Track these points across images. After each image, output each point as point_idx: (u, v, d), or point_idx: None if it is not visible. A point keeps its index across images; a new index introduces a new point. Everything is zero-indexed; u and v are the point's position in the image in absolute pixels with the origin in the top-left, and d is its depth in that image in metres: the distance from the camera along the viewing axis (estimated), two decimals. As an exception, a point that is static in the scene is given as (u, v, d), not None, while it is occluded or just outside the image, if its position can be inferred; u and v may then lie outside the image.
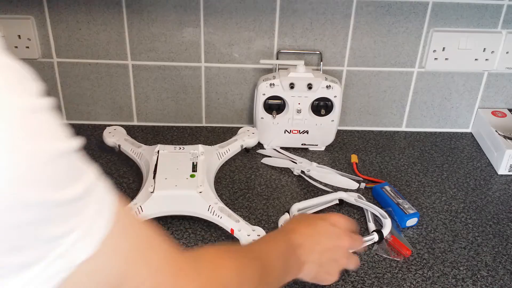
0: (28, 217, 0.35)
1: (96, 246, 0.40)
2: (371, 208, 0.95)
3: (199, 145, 1.03)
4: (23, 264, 0.36)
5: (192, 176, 0.96)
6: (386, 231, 0.90)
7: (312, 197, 0.99)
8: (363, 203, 0.96)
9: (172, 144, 1.04)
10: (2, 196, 0.34)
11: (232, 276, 0.56)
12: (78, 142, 0.38)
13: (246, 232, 0.87)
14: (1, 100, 0.34)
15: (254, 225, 0.90)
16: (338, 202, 0.98)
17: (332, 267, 0.75)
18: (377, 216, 0.94)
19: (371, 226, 0.92)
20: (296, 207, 0.94)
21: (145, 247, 0.46)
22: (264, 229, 0.89)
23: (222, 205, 0.92)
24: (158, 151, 1.00)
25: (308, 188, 1.02)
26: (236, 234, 0.87)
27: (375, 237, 0.89)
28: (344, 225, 0.77)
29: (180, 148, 1.03)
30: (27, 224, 0.35)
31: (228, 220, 0.88)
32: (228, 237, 0.89)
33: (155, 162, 0.97)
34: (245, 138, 1.10)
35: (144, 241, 0.46)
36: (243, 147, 1.10)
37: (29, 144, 0.35)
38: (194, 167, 0.98)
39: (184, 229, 0.92)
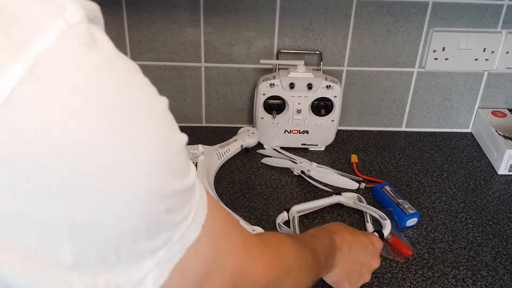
0: (166, 204, 0.38)
1: (200, 229, 0.42)
2: (370, 211, 0.94)
3: (199, 145, 1.03)
4: (153, 249, 0.39)
5: (192, 176, 0.96)
6: (386, 232, 0.90)
7: (312, 198, 0.99)
8: (362, 206, 0.96)
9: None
10: (151, 187, 0.37)
11: (294, 258, 0.60)
12: (185, 134, 0.42)
13: None
14: (149, 99, 0.38)
15: (254, 225, 0.90)
16: (338, 203, 0.98)
17: (356, 280, 0.77)
18: (376, 218, 0.94)
19: (369, 227, 0.92)
20: (295, 209, 0.93)
21: (228, 229, 0.48)
22: (264, 229, 0.89)
23: (222, 205, 0.92)
24: None
25: (308, 188, 1.02)
26: (236, 234, 0.87)
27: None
28: (379, 249, 0.80)
29: None
30: (165, 211, 0.38)
31: None
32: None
33: None
34: (245, 138, 1.10)
35: (226, 224, 0.49)
36: (243, 147, 1.10)
37: (170, 137, 0.39)
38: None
39: (184, 229, 0.92)
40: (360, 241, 0.77)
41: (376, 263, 0.78)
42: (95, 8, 0.37)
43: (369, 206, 0.95)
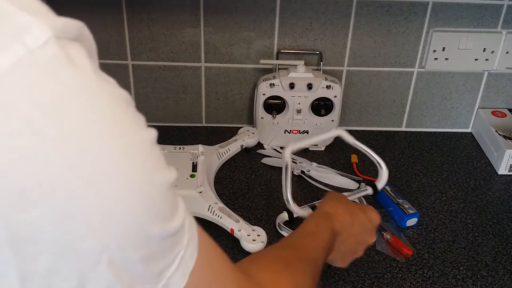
0: (142, 253, 0.34)
1: (186, 278, 0.38)
2: (369, 153, 0.89)
3: (199, 145, 1.03)
4: None
5: (192, 176, 0.96)
6: (381, 184, 0.85)
7: (312, 198, 0.99)
8: (362, 146, 0.90)
9: (172, 144, 1.04)
10: (123, 235, 0.32)
11: None
12: (175, 171, 0.37)
13: (246, 232, 0.87)
14: (124, 133, 0.33)
15: (254, 225, 0.90)
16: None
17: (350, 256, 0.76)
18: (374, 162, 0.89)
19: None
20: (289, 151, 0.85)
21: (221, 276, 0.44)
22: (264, 229, 0.89)
23: (222, 205, 0.92)
24: None
25: (308, 188, 1.02)
26: (236, 234, 0.87)
27: (369, 190, 0.88)
28: (376, 224, 0.77)
29: (180, 148, 1.03)
30: (140, 260, 0.34)
31: (228, 220, 0.88)
32: (228, 237, 0.89)
33: None
34: (245, 138, 1.10)
35: (220, 268, 0.44)
36: (243, 147, 1.10)
37: (153, 177, 0.34)
38: (194, 167, 0.98)
39: (184, 229, 0.92)
40: (359, 222, 0.73)
41: (371, 240, 0.75)
42: (75, 26, 0.33)
43: (369, 149, 0.89)
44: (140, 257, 0.34)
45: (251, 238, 0.86)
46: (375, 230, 0.76)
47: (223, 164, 1.07)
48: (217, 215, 0.89)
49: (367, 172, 1.08)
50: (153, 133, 0.35)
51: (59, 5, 1.19)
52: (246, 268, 0.51)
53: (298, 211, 0.84)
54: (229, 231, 0.88)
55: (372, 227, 0.75)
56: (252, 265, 0.52)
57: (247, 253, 0.87)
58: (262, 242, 0.86)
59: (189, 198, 0.91)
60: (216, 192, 0.97)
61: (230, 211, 0.90)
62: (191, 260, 0.38)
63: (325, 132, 0.91)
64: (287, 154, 0.84)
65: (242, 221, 0.89)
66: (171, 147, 1.03)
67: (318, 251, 0.65)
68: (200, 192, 0.92)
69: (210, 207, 0.90)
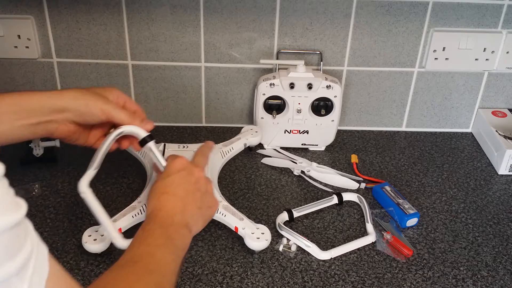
0: None
1: None
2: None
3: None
4: None
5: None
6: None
7: (312, 198, 0.99)
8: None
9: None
10: None
11: None
12: (23, 211, 0.37)
13: (250, 230, 0.87)
14: None
15: (254, 225, 0.90)
16: (338, 203, 0.98)
17: (208, 199, 0.76)
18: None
19: (369, 226, 0.92)
20: (86, 181, 0.76)
21: None
22: (264, 229, 0.89)
23: (226, 203, 0.92)
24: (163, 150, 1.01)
25: (308, 188, 1.02)
26: (240, 232, 0.87)
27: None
28: (185, 163, 0.75)
29: (184, 146, 1.03)
30: None
31: (232, 218, 0.88)
32: (229, 236, 0.89)
33: None
34: (248, 137, 1.10)
35: None
36: (247, 146, 1.09)
37: None
38: None
39: (184, 229, 0.92)
40: (174, 185, 0.72)
41: (198, 173, 0.75)
42: None
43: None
44: None
45: (255, 236, 0.86)
46: (191, 166, 0.75)
47: (223, 164, 1.07)
48: (221, 213, 0.89)
49: (367, 172, 1.08)
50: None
51: (59, 5, 1.19)
52: None
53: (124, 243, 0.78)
54: (233, 229, 0.88)
55: (186, 169, 0.74)
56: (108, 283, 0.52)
57: (247, 252, 0.87)
58: (266, 240, 0.86)
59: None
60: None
61: (235, 209, 0.90)
62: None
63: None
64: (84, 187, 0.76)
65: (246, 219, 0.89)
66: (175, 145, 1.03)
67: (156, 253, 0.64)
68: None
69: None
